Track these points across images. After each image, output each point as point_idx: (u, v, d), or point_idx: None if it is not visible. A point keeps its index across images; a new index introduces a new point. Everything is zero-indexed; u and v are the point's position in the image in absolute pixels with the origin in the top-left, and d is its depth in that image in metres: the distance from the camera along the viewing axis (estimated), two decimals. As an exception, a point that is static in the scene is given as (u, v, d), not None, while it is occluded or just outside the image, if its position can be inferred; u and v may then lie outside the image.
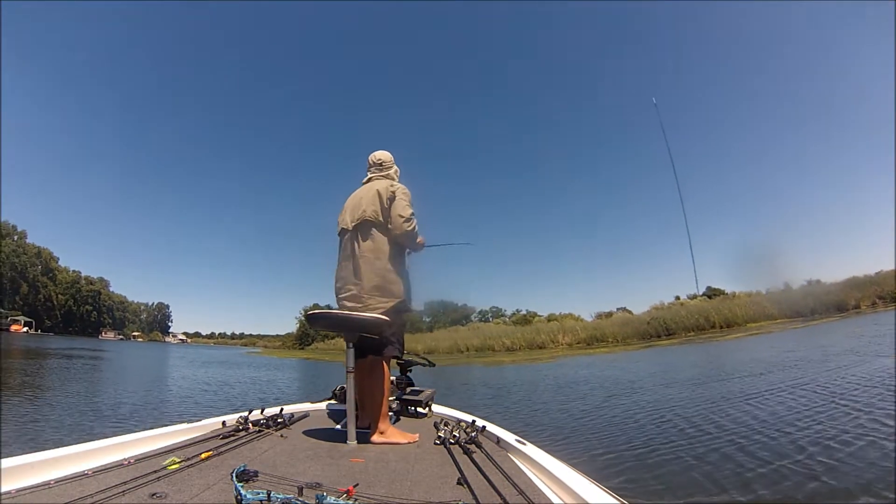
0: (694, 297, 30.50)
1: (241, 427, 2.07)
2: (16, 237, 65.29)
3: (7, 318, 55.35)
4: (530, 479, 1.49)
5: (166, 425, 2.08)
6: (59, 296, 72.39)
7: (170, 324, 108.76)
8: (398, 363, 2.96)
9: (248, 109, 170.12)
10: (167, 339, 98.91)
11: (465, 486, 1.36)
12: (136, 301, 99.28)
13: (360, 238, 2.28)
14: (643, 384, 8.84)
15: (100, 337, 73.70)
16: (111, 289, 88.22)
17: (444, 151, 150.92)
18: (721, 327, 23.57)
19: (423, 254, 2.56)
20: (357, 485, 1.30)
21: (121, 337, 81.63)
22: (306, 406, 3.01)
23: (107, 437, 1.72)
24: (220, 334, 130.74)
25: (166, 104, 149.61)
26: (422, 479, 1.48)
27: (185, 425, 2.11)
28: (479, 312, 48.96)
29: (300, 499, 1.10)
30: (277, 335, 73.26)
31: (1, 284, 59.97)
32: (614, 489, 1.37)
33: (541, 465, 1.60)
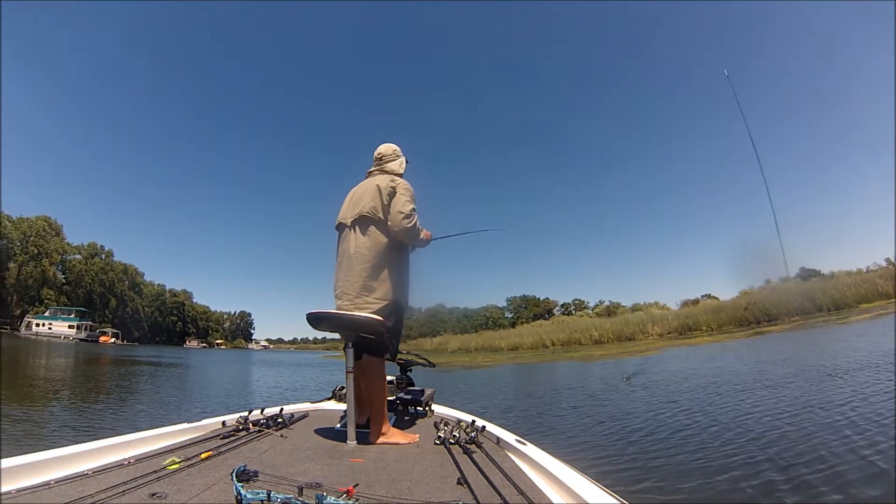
0: (786, 279, 29.31)
1: (241, 427, 2.07)
2: (103, 256, 71.61)
3: (96, 329, 61.14)
4: (530, 479, 1.49)
5: (166, 425, 2.10)
6: (146, 308, 78.22)
7: (252, 331, 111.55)
8: (398, 363, 2.95)
9: (314, 109, 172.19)
10: (250, 345, 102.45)
11: (465, 486, 1.36)
12: (218, 311, 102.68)
13: (356, 234, 2.25)
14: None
15: (185, 345, 78.09)
16: (194, 300, 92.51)
17: (522, 140, 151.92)
18: (829, 310, 22.51)
19: (431, 247, 2.49)
20: (357, 485, 1.31)
21: (204, 345, 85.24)
22: (306, 406, 3.01)
23: (107, 438, 1.74)
24: (301, 339, 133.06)
25: (238, 109, 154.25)
26: (422, 479, 1.48)
27: (185, 425, 2.11)
28: (562, 305, 49.29)
29: (300, 499, 1.11)
30: (361, 338, 75.35)
31: (92, 300, 66.30)
32: (617, 490, 1.38)
33: (541, 465, 1.60)
